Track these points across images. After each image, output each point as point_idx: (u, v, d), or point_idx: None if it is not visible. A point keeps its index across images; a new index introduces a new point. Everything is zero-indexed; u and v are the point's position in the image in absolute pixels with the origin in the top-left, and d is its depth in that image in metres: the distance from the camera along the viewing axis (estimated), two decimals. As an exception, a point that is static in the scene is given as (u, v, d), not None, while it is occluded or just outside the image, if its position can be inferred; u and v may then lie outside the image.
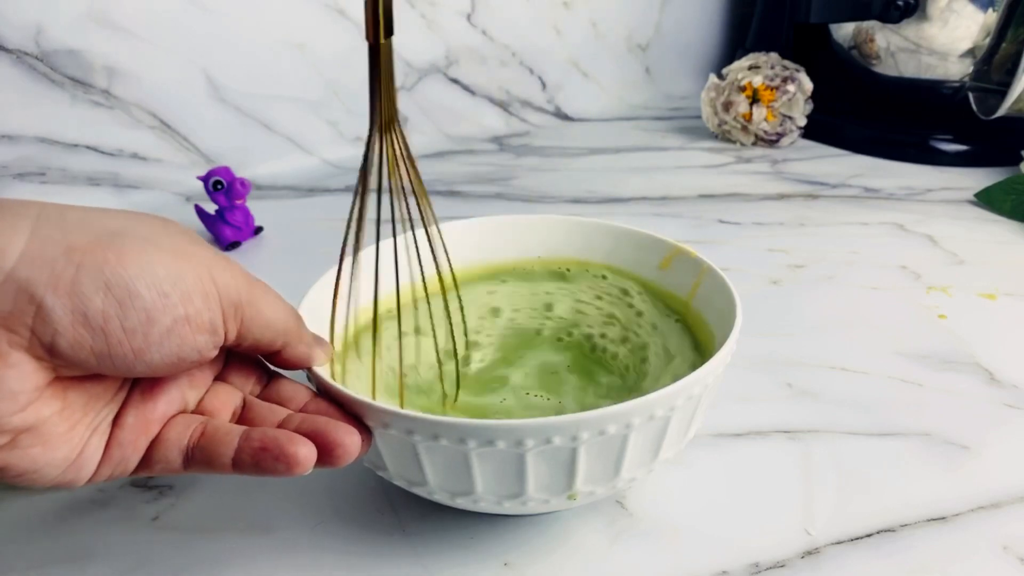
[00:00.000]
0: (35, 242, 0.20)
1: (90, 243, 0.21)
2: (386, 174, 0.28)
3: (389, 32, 0.25)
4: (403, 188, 0.29)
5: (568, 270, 0.40)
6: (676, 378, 0.33)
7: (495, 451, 0.25)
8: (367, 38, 0.25)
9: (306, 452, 0.24)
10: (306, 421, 0.26)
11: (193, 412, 0.26)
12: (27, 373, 0.20)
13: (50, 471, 0.22)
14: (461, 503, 0.28)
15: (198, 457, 0.25)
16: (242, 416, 0.27)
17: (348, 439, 0.25)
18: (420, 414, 0.25)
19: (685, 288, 0.37)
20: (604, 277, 0.40)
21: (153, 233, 0.23)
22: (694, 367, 0.33)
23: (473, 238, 0.40)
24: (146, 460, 0.25)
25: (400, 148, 0.28)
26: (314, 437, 0.25)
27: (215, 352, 0.24)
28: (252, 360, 0.29)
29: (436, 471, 0.27)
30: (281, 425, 0.26)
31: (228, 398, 0.27)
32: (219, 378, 0.28)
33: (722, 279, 0.34)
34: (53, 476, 0.22)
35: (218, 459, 0.24)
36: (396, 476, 0.29)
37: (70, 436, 0.22)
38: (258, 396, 0.28)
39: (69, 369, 0.21)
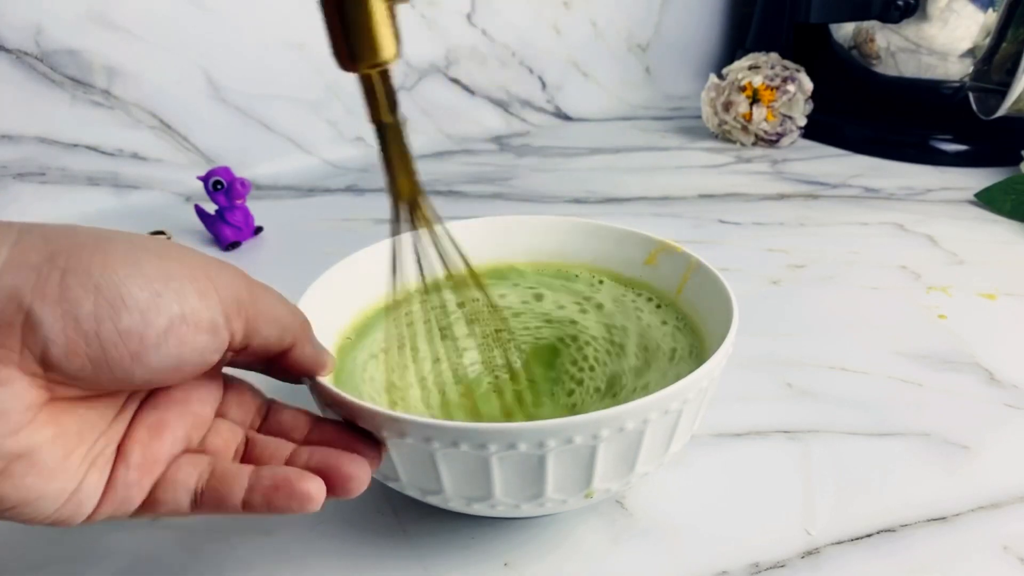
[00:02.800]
0: (17, 250, 0.20)
1: (74, 247, 0.20)
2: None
3: (396, 106, 0.24)
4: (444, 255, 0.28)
5: (553, 273, 0.41)
6: (674, 374, 0.33)
7: (516, 454, 0.25)
8: (373, 118, 0.25)
9: (317, 488, 0.24)
10: (314, 455, 0.25)
11: (196, 451, 0.25)
12: (19, 391, 0.19)
13: (45, 505, 0.21)
14: (477, 509, 0.28)
15: (207, 499, 0.24)
16: (247, 454, 0.26)
17: (359, 471, 0.25)
18: (439, 421, 0.25)
19: (672, 285, 0.37)
20: (576, 275, 0.40)
21: (138, 239, 0.22)
22: (687, 362, 0.34)
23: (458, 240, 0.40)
24: (151, 501, 0.24)
25: (431, 223, 0.27)
26: (324, 471, 0.24)
27: (218, 356, 0.23)
28: (249, 390, 0.28)
29: (454, 478, 0.27)
30: (289, 461, 0.25)
31: (231, 436, 0.26)
32: (218, 412, 0.27)
33: (708, 269, 0.35)
34: (49, 511, 0.21)
35: (228, 500, 0.24)
36: (410, 486, 0.28)
37: (66, 466, 0.21)
38: (259, 428, 0.28)
39: (66, 386, 0.21)
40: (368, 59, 0.22)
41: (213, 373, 0.26)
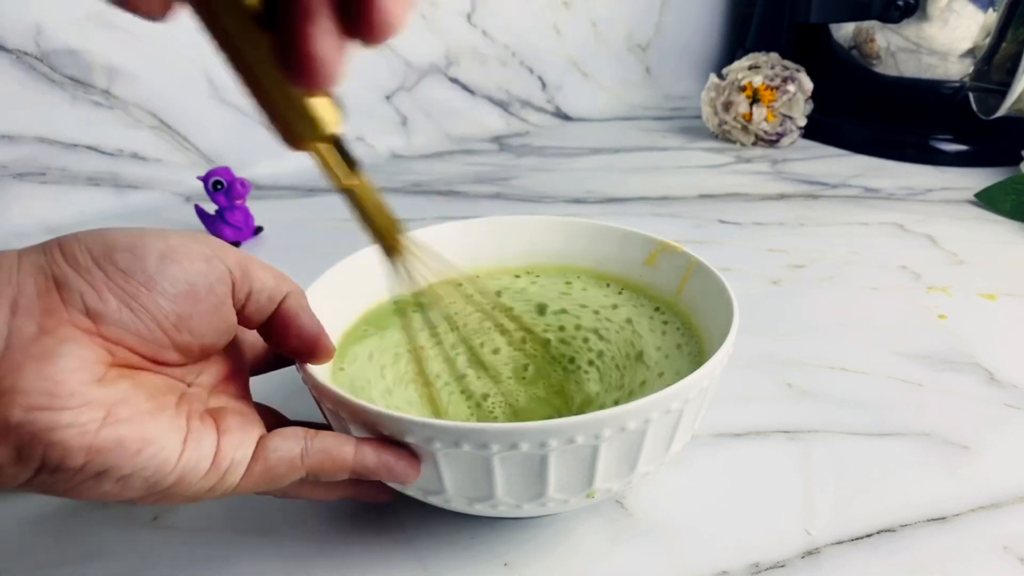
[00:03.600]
0: (22, 248, 0.23)
1: (54, 238, 0.23)
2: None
3: (355, 165, 0.24)
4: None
5: (540, 275, 0.40)
6: (677, 375, 0.33)
7: (518, 454, 0.25)
8: (338, 185, 0.24)
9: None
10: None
11: None
12: (84, 344, 0.21)
13: (167, 444, 0.22)
14: (479, 509, 0.28)
15: (317, 450, 0.25)
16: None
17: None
18: (441, 421, 0.25)
19: (673, 284, 0.37)
20: (578, 279, 0.40)
21: None
22: (686, 362, 0.34)
23: (455, 242, 0.39)
24: (262, 451, 0.25)
25: (423, 265, 0.27)
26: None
27: (226, 289, 0.25)
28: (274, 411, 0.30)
29: (456, 478, 0.27)
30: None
31: None
32: None
33: (708, 268, 0.35)
34: (173, 455, 0.22)
35: (340, 452, 0.26)
36: (411, 486, 0.28)
37: (162, 406, 0.23)
38: None
39: (124, 347, 0.22)
40: (310, 137, 0.21)
41: (248, 396, 0.28)
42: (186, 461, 0.23)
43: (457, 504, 0.28)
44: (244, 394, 0.28)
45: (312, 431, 0.26)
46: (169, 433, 0.22)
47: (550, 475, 0.26)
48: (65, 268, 0.22)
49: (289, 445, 0.25)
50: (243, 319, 0.27)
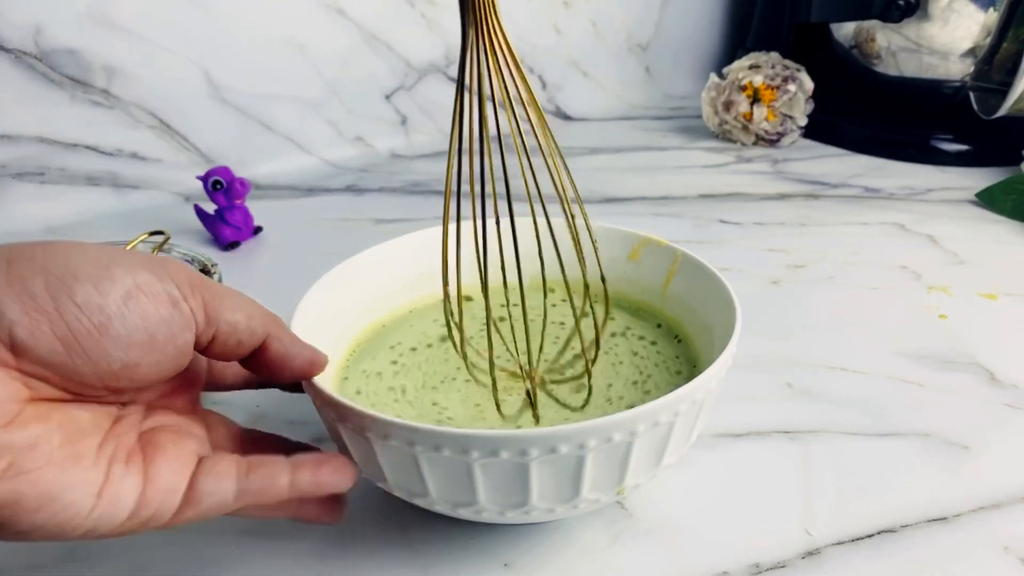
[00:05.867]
0: None
1: (15, 247, 0.21)
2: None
3: None
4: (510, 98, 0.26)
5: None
6: (666, 373, 0.33)
7: (556, 457, 0.25)
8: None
9: (351, 462, 0.26)
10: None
11: None
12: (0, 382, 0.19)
13: (78, 499, 0.20)
14: (511, 517, 0.28)
15: (253, 484, 0.23)
16: None
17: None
18: (476, 431, 0.25)
19: (658, 281, 0.38)
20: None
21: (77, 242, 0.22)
22: (676, 361, 0.34)
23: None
24: (193, 495, 0.23)
25: (502, 47, 0.25)
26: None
27: (190, 335, 0.23)
28: (226, 421, 0.28)
29: (489, 488, 0.26)
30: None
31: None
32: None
33: (698, 262, 0.35)
34: (85, 508, 0.20)
35: (275, 482, 0.24)
36: (440, 501, 0.27)
37: (78, 453, 0.21)
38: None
39: (47, 383, 0.20)
40: None
41: (195, 407, 0.27)
42: (99, 514, 0.21)
43: (488, 515, 0.28)
44: (191, 408, 0.27)
45: (244, 463, 0.24)
46: (79, 487, 0.20)
47: (586, 475, 0.26)
48: (6, 297, 0.19)
49: (223, 488, 0.23)
50: (208, 355, 0.25)
